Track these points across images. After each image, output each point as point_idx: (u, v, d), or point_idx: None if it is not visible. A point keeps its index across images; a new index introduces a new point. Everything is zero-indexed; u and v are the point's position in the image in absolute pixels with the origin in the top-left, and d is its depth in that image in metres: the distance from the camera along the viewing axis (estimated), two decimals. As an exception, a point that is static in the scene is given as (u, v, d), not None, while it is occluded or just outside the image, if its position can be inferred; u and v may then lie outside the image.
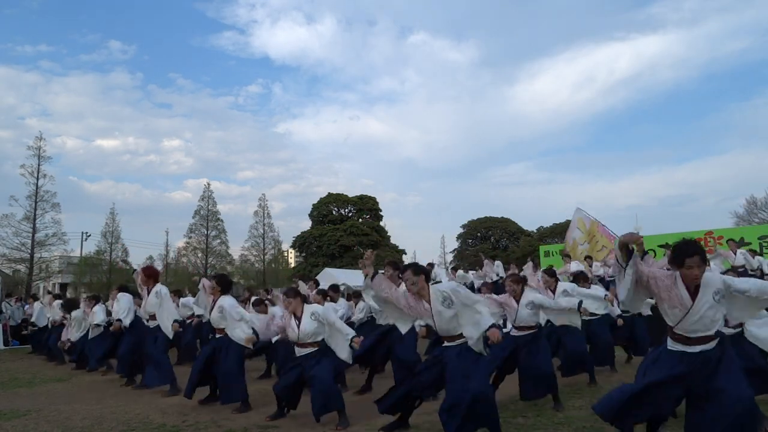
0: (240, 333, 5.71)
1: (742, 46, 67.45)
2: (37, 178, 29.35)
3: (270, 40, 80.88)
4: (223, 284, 6.02)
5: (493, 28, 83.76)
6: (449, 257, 52.91)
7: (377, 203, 47.21)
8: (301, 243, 45.12)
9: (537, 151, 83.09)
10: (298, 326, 5.09)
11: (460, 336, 4.16)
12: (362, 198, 46.60)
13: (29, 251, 29.02)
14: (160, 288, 6.87)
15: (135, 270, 7.46)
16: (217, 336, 5.97)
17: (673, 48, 71.71)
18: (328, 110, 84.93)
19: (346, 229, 43.12)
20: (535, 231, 51.38)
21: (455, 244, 54.13)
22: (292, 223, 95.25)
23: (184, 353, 9.47)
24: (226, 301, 5.84)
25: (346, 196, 46.55)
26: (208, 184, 40.61)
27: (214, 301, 5.88)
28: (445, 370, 4.11)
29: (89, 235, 39.22)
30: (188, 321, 9.66)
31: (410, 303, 4.26)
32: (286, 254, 48.48)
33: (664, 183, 69.25)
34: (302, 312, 5.15)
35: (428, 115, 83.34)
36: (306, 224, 46.99)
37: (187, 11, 77.05)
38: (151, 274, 7.07)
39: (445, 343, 4.30)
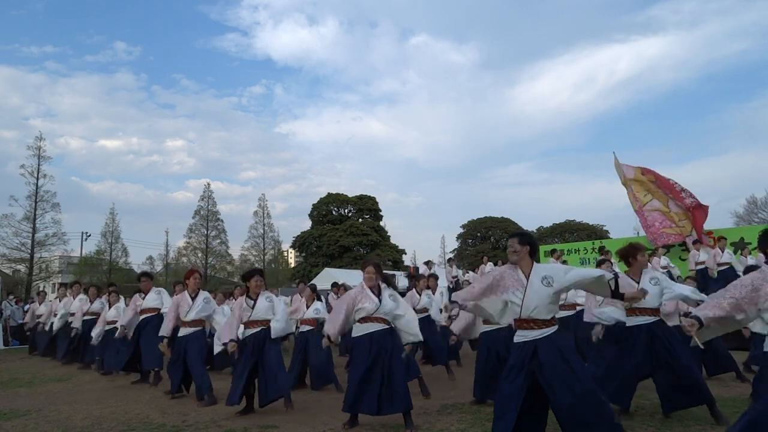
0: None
1: (742, 48, 67.65)
2: (37, 178, 29.36)
3: (272, 42, 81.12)
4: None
5: (493, 31, 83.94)
6: (449, 257, 52.92)
7: (377, 203, 47.23)
8: (300, 243, 45.14)
9: (537, 152, 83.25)
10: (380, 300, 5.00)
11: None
12: (362, 198, 46.60)
13: (29, 251, 29.00)
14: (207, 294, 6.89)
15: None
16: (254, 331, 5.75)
17: (673, 50, 71.93)
18: (330, 111, 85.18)
19: (346, 229, 43.14)
20: (535, 231, 51.39)
21: (455, 244, 54.22)
22: (294, 223, 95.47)
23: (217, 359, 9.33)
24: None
25: (346, 196, 46.55)
26: (208, 184, 40.64)
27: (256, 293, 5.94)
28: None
29: (89, 235, 39.25)
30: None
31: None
32: (286, 254, 48.49)
33: (664, 183, 69.08)
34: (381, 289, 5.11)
35: (429, 116, 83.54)
36: (308, 224, 47.04)
37: (190, 13, 77.25)
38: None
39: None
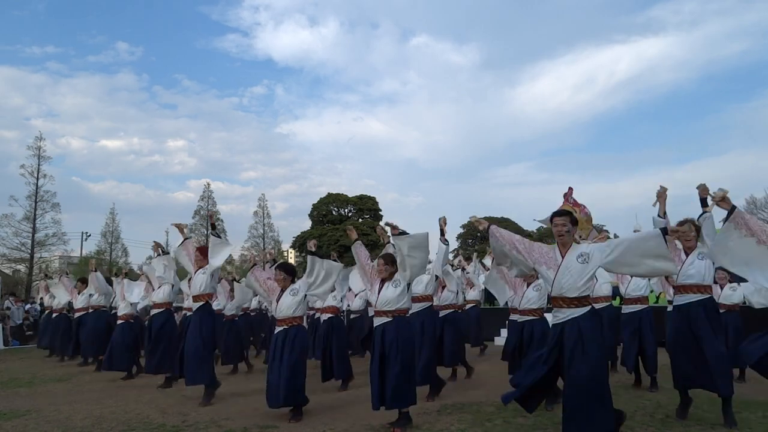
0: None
1: (742, 48, 67.48)
2: (37, 178, 29.31)
3: (273, 43, 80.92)
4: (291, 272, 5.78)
5: (494, 31, 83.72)
6: (449, 257, 52.90)
7: (377, 203, 47.24)
8: (300, 243, 45.14)
9: (537, 152, 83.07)
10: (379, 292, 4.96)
11: None
12: (362, 198, 46.61)
13: (29, 251, 28.98)
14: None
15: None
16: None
17: (673, 50, 71.67)
18: (330, 111, 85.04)
19: (346, 229, 43.18)
20: (535, 231, 51.34)
21: (455, 244, 54.21)
22: (294, 223, 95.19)
23: (225, 354, 9.19)
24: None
25: (346, 195, 46.58)
26: (208, 184, 40.68)
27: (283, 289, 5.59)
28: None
29: (89, 235, 39.24)
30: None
31: None
32: (286, 254, 48.47)
33: (664, 183, 68.65)
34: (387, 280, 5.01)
35: (429, 116, 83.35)
36: (308, 224, 47.05)
37: (191, 14, 77.04)
38: (205, 254, 6.59)
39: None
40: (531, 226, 52.44)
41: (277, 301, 5.53)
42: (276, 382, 5.22)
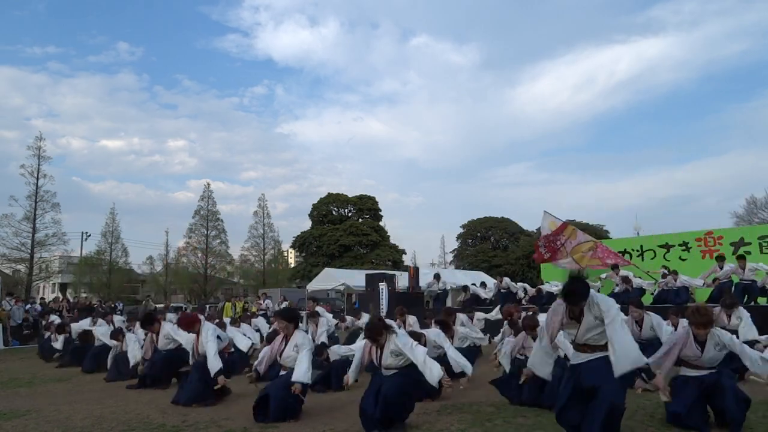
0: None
1: (742, 48, 67.72)
2: (37, 178, 29.24)
3: (273, 43, 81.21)
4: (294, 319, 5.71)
5: (494, 31, 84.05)
6: (449, 257, 53.03)
7: (377, 203, 47.27)
8: (301, 243, 45.21)
9: (537, 152, 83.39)
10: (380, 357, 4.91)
11: None
12: (362, 198, 46.65)
13: (29, 251, 28.95)
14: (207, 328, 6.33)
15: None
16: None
17: (673, 50, 72.04)
18: (331, 111, 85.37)
19: (346, 229, 43.21)
20: (535, 231, 51.27)
21: (455, 244, 54.19)
22: (294, 223, 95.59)
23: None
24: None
25: (346, 196, 46.61)
26: (208, 184, 40.57)
27: (286, 338, 5.51)
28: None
29: (89, 235, 39.28)
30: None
31: None
32: (286, 254, 48.50)
33: (664, 183, 69.47)
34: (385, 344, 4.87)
35: (429, 116, 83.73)
36: (308, 224, 47.08)
37: (192, 14, 77.34)
38: (189, 323, 6.48)
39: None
40: (531, 226, 52.54)
41: (280, 355, 5.45)
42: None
